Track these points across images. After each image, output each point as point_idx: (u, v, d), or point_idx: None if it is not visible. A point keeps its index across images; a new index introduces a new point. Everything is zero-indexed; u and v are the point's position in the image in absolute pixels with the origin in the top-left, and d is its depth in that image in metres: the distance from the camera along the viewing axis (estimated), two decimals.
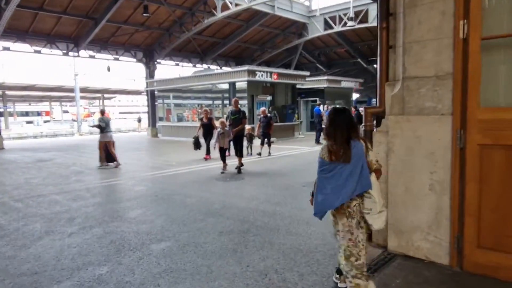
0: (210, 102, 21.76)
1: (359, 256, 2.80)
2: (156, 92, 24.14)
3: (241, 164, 9.41)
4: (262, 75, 17.00)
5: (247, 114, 10.02)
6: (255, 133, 12.96)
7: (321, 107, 16.77)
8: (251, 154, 12.64)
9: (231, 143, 9.69)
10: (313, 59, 30.51)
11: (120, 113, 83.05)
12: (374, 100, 33.53)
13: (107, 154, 10.68)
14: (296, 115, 19.63)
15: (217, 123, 10.31)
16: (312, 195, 3.10)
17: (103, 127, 10.63)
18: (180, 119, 22.66)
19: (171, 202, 6.40)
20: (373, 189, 2.78)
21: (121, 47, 22.69)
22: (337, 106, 3.35)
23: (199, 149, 11.91)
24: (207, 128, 11.92)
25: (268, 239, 4.42)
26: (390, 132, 3.80)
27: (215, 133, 9.86)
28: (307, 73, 20.26)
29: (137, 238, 4.53)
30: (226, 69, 17.70)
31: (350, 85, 25.16)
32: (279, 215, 5.45)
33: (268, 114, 13.07)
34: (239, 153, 9.44)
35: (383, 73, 4.07)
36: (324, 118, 15.80)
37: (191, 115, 22.16)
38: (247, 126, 11.01)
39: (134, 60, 23.81)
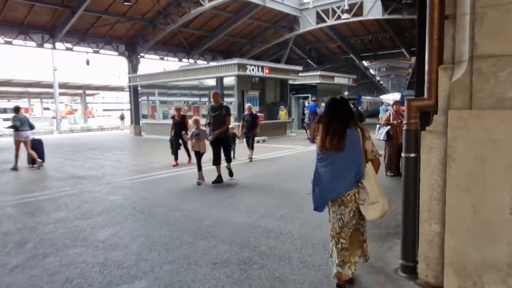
0: (197, 99, 20.58)
1: (339, 241, 2.84)
2: (139, 88, 22.77)
3: (231, 172, 7.86)
4: (253, 69, 15.90)
5: (232, 110, 7.90)
6: (238, 134, 11.08)
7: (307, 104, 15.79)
8: (234, 157, 10.41)
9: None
10: (304, 55, 29.52)
11: (104, 110, 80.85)
12: (363, 97, 32.84)
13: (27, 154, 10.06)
14: (281, 112, 18.41)
15: (190, 122, 8.50)
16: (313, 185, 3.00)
17: (18, 126, 9.64)
18: (166, 116, 21.39)
19: (152, 216, 5.27)
20: (365, 179, 2.74)
21: (101, 39, 21.24)
22: (336, 96, 3.07)
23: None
24: (179, 128, 9.63)
25: (278, 273, 3.35)
26: (450, 133, 2.77)
27: (187, 135, 8.01)
28: (300, 68, 19.27)
29: (103, 275, 3.39)
30: (214, 63, 16.54)
31: (343, 81, 24.28)
32: (286, 235, 4.38)
33: (254, 112, 11.23)
34: (227, 159, 7.75)
35: (433, 54, 3.03)
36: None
37: (171, 113, 20.90)
38: (232, 125, 9.55)
39: (116, 53, 22.39)
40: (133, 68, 22.45)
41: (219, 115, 7.30)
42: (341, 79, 23.80)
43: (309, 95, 21.73)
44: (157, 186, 7.48)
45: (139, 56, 22.77)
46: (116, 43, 22.04)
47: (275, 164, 9.97)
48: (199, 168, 7.59)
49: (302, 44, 28.69)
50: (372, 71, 48.11)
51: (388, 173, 7.61)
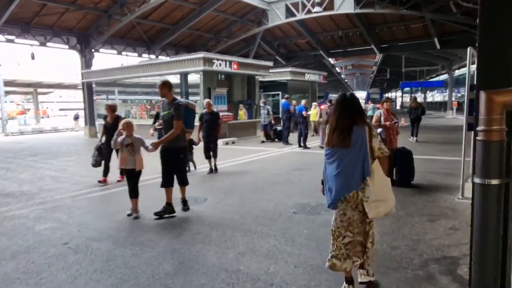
0: (160, 97, 18.74)
1: (342, 234, 2.84)
2: (94, 86, 20.68)
3: (184, 198, 5.53)
4: (220, 64, 14.50)
5: (182, 111, 5.15)
6: (196, 139, 8.45)
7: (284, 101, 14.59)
8: (189, 169, 8.22)
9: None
10: (272, 51, 28.42)
11: (61, 109, 75.96)
12: (330, 95, 32.30)
13: None
14: (240, 112, 16.74)
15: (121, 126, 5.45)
16: (322, 183, 3.01)
17: None
18: (128, 116, 19.50)
19: (89, 258, 3.81)
20: (370, 177, 2.71)
21: (49, 31, 18.94)
22: (346, 93, 2.97)
23: (100, 165, 7.51)
24: (111, 133, 6.54)
25: None
26: None
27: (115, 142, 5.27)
28: (270, 64, 18.09)
29: None
30: (177, 57, 14.94)
31: (315, 78, 23.40)
32: (280, 286, 3.11)
33: (215, 110, 8.91)
34: (180, 182, 5.43)
35: None
36: (297, 114, 13.68)
37: (138, 111, 19.13)
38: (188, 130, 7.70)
39: (66, 46, 20.13)
40: (87, 63, 20.31)
41: (167, 115, 5.15)
42: (312, 76, 22.90)
43: (279, 92, 20.65)
44: (106, 205, 5.97)
45: (93, 50, 20.64)
46: (66, 35, 19.79)
47: (249, 171, 8.68)
48: (133, 194, 5.23)
49: (271, 39, 27.58)
50: (338, 69, 48.11)
51: None
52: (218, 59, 14.50)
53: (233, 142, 14.79)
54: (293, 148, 12.87)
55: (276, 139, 15.02)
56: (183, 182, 5.44)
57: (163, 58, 16.25)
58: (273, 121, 14.98)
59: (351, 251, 2.85)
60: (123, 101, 20.32)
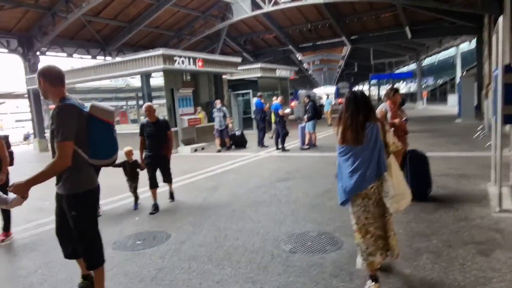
0: (123, 103, 17.04)
1: (368, 231, 2.85)
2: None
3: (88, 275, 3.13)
4: (183, 62, 12.83)
5: (68, 121, 2.61)
6: (140, 160, 6.00)
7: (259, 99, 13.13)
8: (136, 206, 6.00)
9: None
10: (239, 48, 26.92)
11: (17, 121, 70.75)
12: (300, 91, 31.30)
13: None
14: (199, 114, 14.34)
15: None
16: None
17: None
18: None
19: None
20: (388, 172, 2.75)
21: None
22: (355, 90, 3.08)
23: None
24: None
25: None
26: None
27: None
28: (239, 60, 16.58)
29: None
30: (133, 55, 13.07)
31: (286, 74, 22.12)
32: None
33: (162, 117, 6.10)
34: (89, 266, 2.91)
35: None
36: (272, 113, 12.25)
37: None
38: (127, 148, 5.89)
39: (6, 50, 17.71)
40: (31, 68, 17.91)
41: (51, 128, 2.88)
42: (283, 72, 21.61)
43: (250, 91, 19.22)
44: (32, 252, 4.29)
45: (38, 53, 18.32)
46: (5, 37, 17.37)
47: (222, 186, 7.15)
48: None
49: (237, 35, 26.07)
50: (306, 65, 47.33)
51: None
52: (180, 56, 12.84)
53: (202, 148, 13.20)
54: (270, 151, 11.47)
55: (233, 146, 12.80)
56: (91, 266, 2.89)
57: (118, 58, 14.37)
58: (230, 125, 12.74)
59: (379, 246, 2.87)
60: None
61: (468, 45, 32.12)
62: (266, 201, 5.74)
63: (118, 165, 5.60)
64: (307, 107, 11.38)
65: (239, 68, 17.88)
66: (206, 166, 9.45)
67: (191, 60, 13.31)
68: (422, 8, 18.38)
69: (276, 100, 11.88)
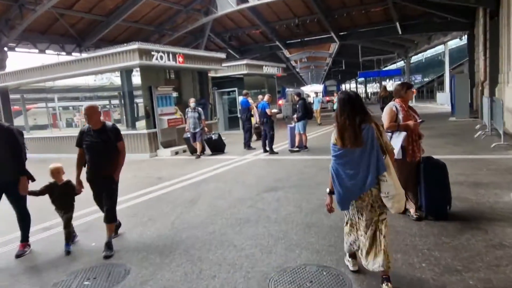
0: (105, 102, 15.92)
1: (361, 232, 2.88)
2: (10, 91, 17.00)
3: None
4: (161, 57, 11.76)
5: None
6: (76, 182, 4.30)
7: (250, 99, 12.17)
8: (68, 247, 4.23)
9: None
10: (224, 44, 25.88)
11: None
12: (288, 90, 30.51)
13: None
14: (177, 114, 12.71)
15: None
16: (330, 193, 2.99)
17: None
18: (69, 125, 16.22)
19: None
20: (387, 172, 2.70)
21: None
22: (347, 90, 3.21)
23: None
24: None
25: None
26: None
27: None
28: (223, 55, 15.55)
29: None
30: (105, 50, 11.86)
31: (273, 71, 21.21)
32: None
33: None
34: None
35: None
36: (256, 112, 11.31)
37: (82, 120, 15.89)
38: (53, 165, 4.26)
39: None
40: None
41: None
42: (270, 69, 20.69)
43: (235, 88, 18.26)
44: None
45: (6, 49, 16.98)
46: None
47: (201, 198, 6.18)
48: None
49: (221, 31, 25.02)
50: (293, 63, 46.55)
51: (410, 214, 4.33)
52: (158, 51, 11.75)
53: (184, 151, 12.17)
54: (257, 154, 10.55)
55: (203, 152, 11.00)
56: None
57: (89, 54, 13.05)
58: (206, 128, 11.00)
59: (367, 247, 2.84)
60: (63, 108, 16.96)
61: (455, 42, 31.85)
62: (251, 218, 4.81)
63: (41, 192, 4.21)
64: (297, 105, 10.48)
65: (224, 64, 16.87)
66: (186, 172, 8.46)
67: (171, 55, 12.25)
68: (413, 2, 17.71)
69: (263, 99, 10.94)
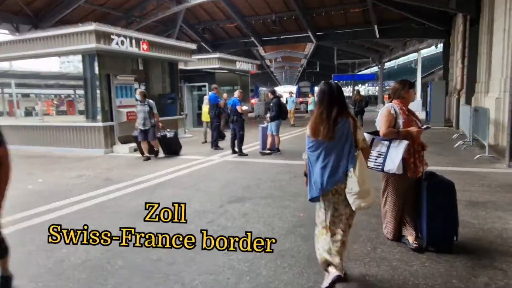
0: (70, 91, 14.60)
1: (335, 232, 2.76)
2: None
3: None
4: (122, 43, 10.51)
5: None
6: None
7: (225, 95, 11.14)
8: None
9: None
10: (197, 37, 24.64)
11: None
12: (262, 89, 29.76)
13: None
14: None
15: None
16: (305, 175, 2.88)
17: None
18: (29, 114, 14.57)
19: None
20: (354, 168, 2.63)
21: None
22: (330, 82, 2.84)
23: None
24: None
25: None
26: None
27: None
28: (194, 46, 14.39)
29: None
30: (56, 30, 10.37)
31: (247, 68, 20.26)
32: None
33: None
34: None
35: None
36: (228, 109, 10.30)
37: (44, 108, 14.34)
38: None
39: None
40: None
41: None
42: (244, 65, 19.72)
43: (206, 84, 17.16)
44: None
45: None
46: None
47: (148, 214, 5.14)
48: None
49: (194, 23, 23.80)
50: (267, 62, 45.81)
51: (408, 242, 3.46)
52: (119, 35, 10.49)
53: None
54: (225, 155, 9.57)
55: (156, 154, 9.44)
56: None
57: (39, 33, 11.39)
58: (160, 125, 9.42)
59: (340, 247, 2.74)
60: (23, 96, 15.24)
61: (426, 51, 32.22)
62: (210, 242, 3.81)
63: None
64: (271, 104, 9.57)
65: (195, 57, 15.75)
66: (142, 174, 7.35)
67: (134, 41, 10.99)
68: (392, 4, 17.31)
69: (235, 95, 9.95)
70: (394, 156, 3.29)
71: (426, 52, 32.60)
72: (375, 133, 3.55)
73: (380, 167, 3.37)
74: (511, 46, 9.02)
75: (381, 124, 3.45)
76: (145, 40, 11.47)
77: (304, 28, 21.98)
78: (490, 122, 8.50)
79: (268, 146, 9.57)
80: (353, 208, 2.66)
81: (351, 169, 2.61)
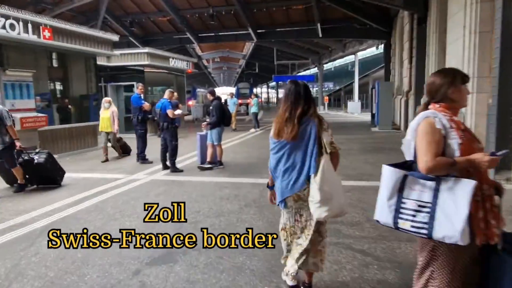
0: None
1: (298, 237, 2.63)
2: None
3: None
4: (12, 27, 7.96)
5: None
6: None
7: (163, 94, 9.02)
8: None
9: None
10: (124, 31, 21.91)
11: None
12: (199, 90, 27.82)
13: None
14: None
15: None
16: (268, 186, 2.77)
17: None
18: None
19: None
20: (316, 174, 2.40)
21: None
22: (297, 80, 2.66)
23: None
24: None
25: None
26: None
27: None
28: (116, 38, 11.92)
29: None
30: None
31: (181, 66, 18.18)
32: None
33: None
34: None
35: None
36: (158, 114, 8.26)
37: None
38: None
39: None
40: None
41: None
42: (178, 62, 17.62)
43: (135, 83, 14.85)
44: None
45: None
46: None
47: (27, 270, 3.12)
48: None
49: (121, 15, 21.08)
50: (205, 62, 43.79)
51: None
52: (7, 17, 7.95)
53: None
54: (153, 171, 7.59)
55: (27, 185, 6.26)
56: None
57: None
58: (18, 144, 5.89)
59: (300, 255, 2.58)
60: None
61: (361, 54, 32.70)
62: None
63: None
64: (211, 107, 7.78)
65: (120, 51, 13.39)
66: (25, 208, 5.12)
67: (30, 26, 8.49)
68: (335, 2, 16.48)
69: (166, 96, 7.95)
70: (452, 211, 1.74)
71: (361, 55, 33.09)
72: (405, 165, 1.98)
73: (425, 231, 1.80)
74: (474, 42, 8.27)
75: (418, 150, 1.88)
76: (47, 25, 8.99)
77: (244, 24, 20.47)
78: None
79: (208, 159, 7.75)
80: (314, 218, 2.46)
81: (312, 175, 2.40)
